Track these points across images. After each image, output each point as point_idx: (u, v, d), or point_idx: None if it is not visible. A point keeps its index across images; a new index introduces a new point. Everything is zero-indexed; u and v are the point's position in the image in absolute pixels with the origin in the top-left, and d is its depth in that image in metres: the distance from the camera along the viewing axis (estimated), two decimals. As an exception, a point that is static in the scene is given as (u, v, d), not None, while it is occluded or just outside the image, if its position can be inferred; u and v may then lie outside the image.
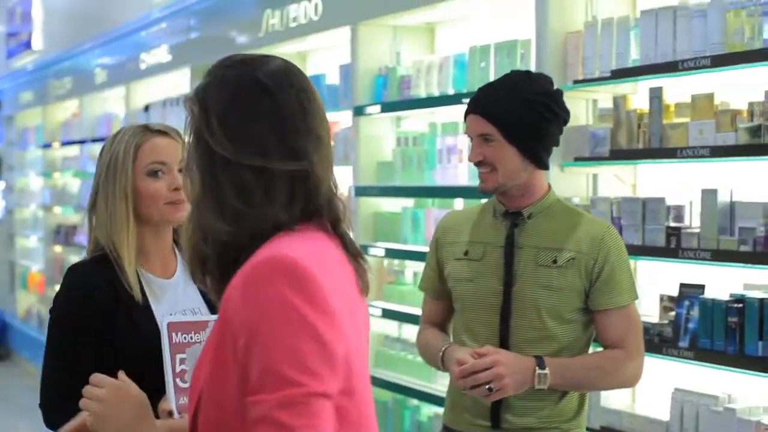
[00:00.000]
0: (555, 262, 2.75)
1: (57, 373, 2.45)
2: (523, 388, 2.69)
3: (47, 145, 10.80)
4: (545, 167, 2.81)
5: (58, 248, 10.51)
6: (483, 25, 4.77)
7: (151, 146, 2.53)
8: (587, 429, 3.58)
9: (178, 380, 2.32)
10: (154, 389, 2.19)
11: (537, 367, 2.68)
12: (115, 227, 2.49)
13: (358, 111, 5.01)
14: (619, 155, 3.59)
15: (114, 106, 9.33)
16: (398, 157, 4.86)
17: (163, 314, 2.44)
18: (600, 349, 2.84)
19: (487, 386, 2.65)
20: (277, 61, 1.74)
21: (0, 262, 12.65)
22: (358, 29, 5.03)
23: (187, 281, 2.59)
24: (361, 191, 5.02)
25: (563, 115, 2.78)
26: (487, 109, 2.78)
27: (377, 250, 4.87)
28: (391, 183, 4.88)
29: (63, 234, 10.32)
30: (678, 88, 3.53)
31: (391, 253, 4.81)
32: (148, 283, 2.54)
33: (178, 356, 2.33)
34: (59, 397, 2.38)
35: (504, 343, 2.78)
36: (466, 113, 2.85)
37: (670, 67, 3.39)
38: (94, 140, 9.23)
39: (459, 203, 4.61)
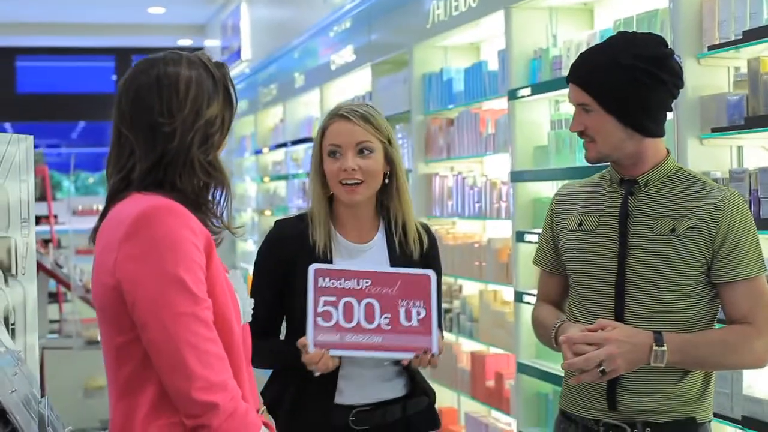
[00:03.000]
0: (673, 230, 2.58)
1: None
2: (637, 366, 2.54)
3: (258, 151, 11.19)
4: (654, 135, 2.65)
5: (269, 250, 10.82)
6: None
7: (332, 130, 2.86)
8: (728, 419, 3.38)
9: (319, 319, 2.69)
10: None
11: (654, 344, 2.51)
12: (312, 199, 2.91)
13: (512, 95, 4.91)
14: (754, 123, 3.34)
15: (313, 109, 9.56)
16: (552, 140, 4.73)
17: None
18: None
19: (599, 369, 2.50)
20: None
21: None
22: (511, 12, 4.94)
23: (382, 248, 2.92)
24: (516, 176, 4.92)
25: (672, 80, 2.59)
26: (582, 77, 2.66)
27: (532, 237, 4.75)
28: (546, 167, 4.76)
29: (275, 236, 10.62)
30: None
31: (545, 239, 4.66)
32: (338, 245, 2.90)
33: (323, 298, 2.70)
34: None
35: (619, 319, 2.63)
36: (567, 81, 2.75)
37: (803, 24, 3.14)
38: (294, 142, 9.49)
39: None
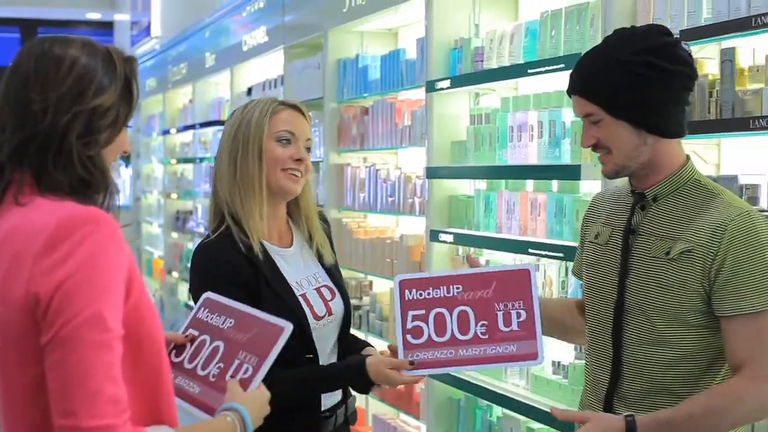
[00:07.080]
0: (667, 254, 2.33)
1: None
2: None
3: (166, 132, 10.80)
4: (672, 135, 2.39)
5: (175, 234, 10.50)
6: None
7: (284, 116, 2.67)
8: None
9: (408, 336, 2.42)
10: (301, 358, 2.50)
11: None
12: (247, 191, 2.59)
13: (431, 86, 4.66)
14: (691, 129, 3.11)
15: (223, 90, 9.22)
16: (471, 136, 4.50)
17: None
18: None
19: None
20: None
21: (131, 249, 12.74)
22: (432, -1, 4.68)
23: (304, 251, 2.73)
24: (432, 172, 4.68)
25: (679, 69, 2.32)
26: (583, 86, 2.39)
27: (447, 236, 4.51)
28: (465, 164, 4.52)
29: (181, 220, 10.29)
30: (754, 49, 3.06)
31: (460, 240, 4.44)
32: (272, 254, 2.64)
33: (411, 313, 2.44)
34: None
35: (617, 343, 2.43)
36: (567, 93, 2.48)
37: (744, 25, 2.93)
38: (202, 125, 9.15)
39: (530, 185, 4.22)
